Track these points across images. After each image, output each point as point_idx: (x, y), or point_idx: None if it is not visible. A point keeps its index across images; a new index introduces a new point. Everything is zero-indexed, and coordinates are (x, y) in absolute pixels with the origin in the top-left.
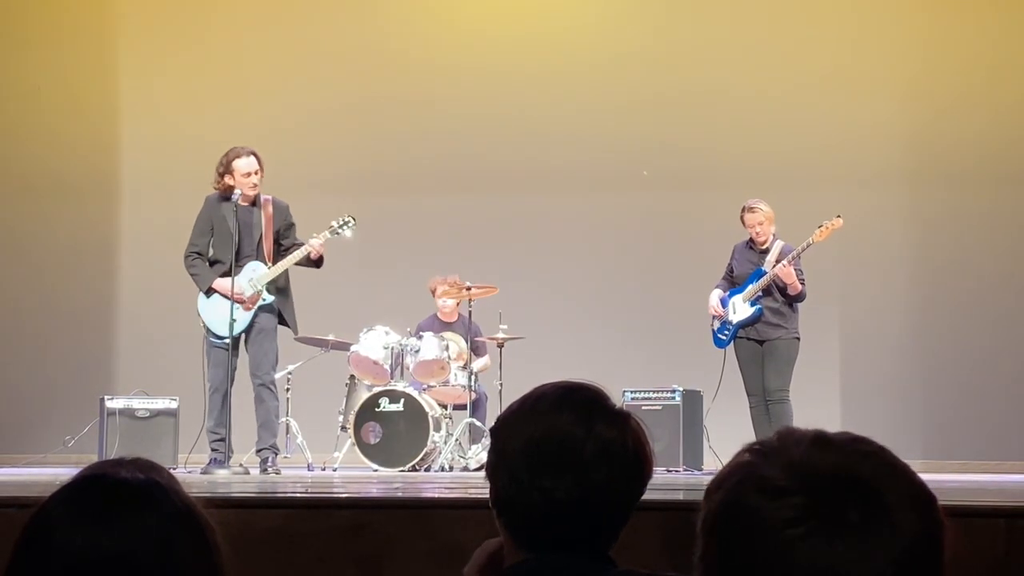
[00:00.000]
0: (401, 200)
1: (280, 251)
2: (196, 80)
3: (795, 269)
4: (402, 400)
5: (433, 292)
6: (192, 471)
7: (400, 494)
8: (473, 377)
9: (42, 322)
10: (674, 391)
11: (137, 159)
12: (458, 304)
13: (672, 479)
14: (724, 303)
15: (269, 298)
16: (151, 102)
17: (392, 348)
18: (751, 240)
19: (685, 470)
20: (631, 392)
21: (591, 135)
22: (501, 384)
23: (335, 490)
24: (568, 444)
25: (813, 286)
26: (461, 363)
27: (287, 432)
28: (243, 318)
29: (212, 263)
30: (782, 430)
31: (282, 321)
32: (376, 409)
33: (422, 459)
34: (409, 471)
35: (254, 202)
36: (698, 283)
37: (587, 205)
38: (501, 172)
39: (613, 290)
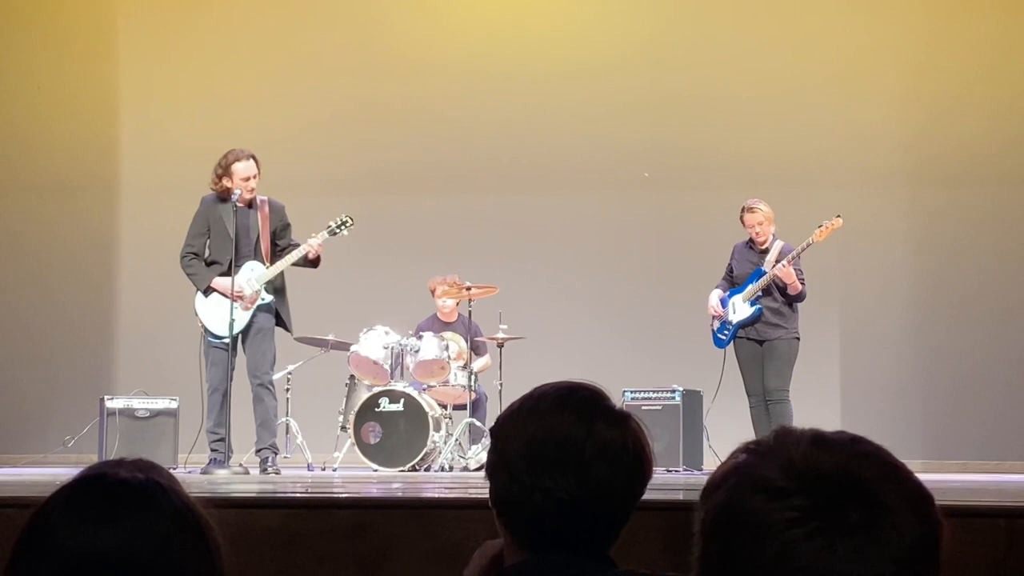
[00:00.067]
0: (401, 200)
1: (276, 251)
2: (196, 81)
3: (795, 269)
4: (402, 400)
5: (433, 292)
6: (192, 471)
7: (400, 494)
8: (473, 377)
9: (42, 322)
10: (674, 391)
11: (137, 159)
12: (458, 304)
13: (672, 479)
14: (724, 303)
15: (268, 298)
16: (151, 103)
17: (392, 348)
18: (751, 240)
19: (685, 470)
20: (631, 392)
21: (591, 135)
22: (501, 384)
23: (335, 490)
24: (569, 444)
25: (813, 286)
26: (461, 363)
27: (287, 432)
28: (241, 318)
29: (209, 263)
30: (779, 429)
31: (279, 321)
32: (376, 409)
33: (422, 459)
34: (409, 471)
35: (251, 203)
36: (698, 283)
37: (587, 205)
38: (501, 172)
39: (613, 290)
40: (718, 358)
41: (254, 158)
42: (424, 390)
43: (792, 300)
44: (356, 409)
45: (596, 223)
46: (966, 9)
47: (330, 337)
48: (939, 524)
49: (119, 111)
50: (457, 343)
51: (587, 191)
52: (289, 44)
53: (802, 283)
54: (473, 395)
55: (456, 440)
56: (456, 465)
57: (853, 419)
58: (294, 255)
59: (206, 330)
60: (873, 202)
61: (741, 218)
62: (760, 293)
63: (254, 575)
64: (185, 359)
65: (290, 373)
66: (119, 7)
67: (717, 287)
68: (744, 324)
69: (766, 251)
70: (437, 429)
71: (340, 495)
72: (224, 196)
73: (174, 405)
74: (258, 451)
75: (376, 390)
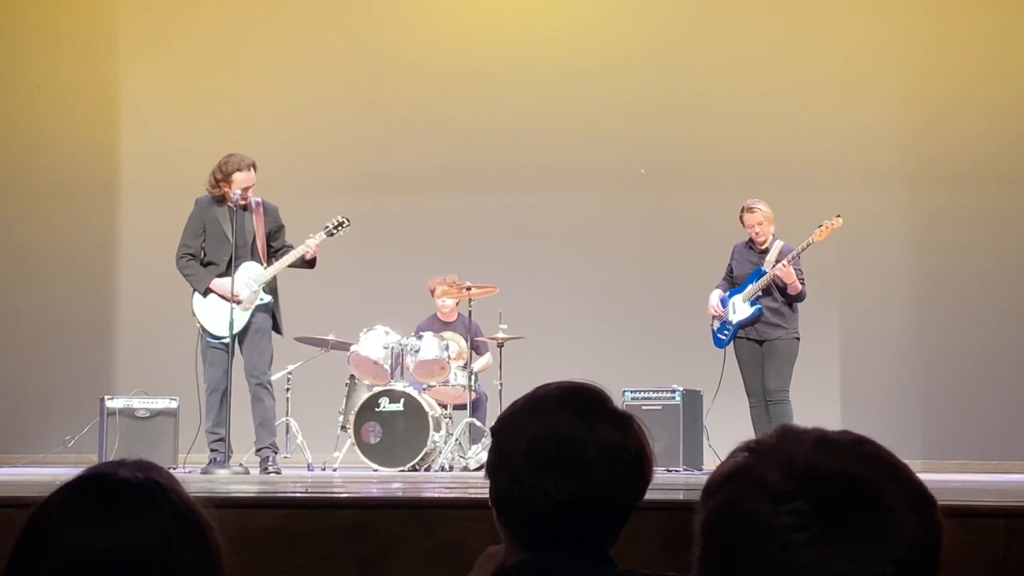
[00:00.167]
0: (401, 200)
1: (271, 252)
2: (195, 81)
3: (795, 269)
4: (402, 400)
5: (432, 292)
6: (192, 471)
7: (400, 494)
8: (473, 377)
9: (42, 322)
10: (674, 391)
11: (137, 159)
12: (457, 304)
13: (672, 479)
14: (724, 303)
15: (266, 298)
16: (150, 103)
17: (392, 348)
18: (751, 240)
19: (685, 470)
20: (631, 392)
21: (591, 135)
22: (501, 384)
23: (335, 490)
24: (571, 445)
25: (813, 286)
26: (461, 363)
27: (287, 432)
28: (240, 318)
29: (205, 265)
30: (781, 428)
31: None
32: (376, 409)
33: (422, 459)
34: (409, 471)
35: (246, 205)
36: (698, 283)
37: (587, 205)
38: (501, 172)
39: (613, 290)
40: (718, 358)
41: (254, 167)
42: (424, 390)
43: (792, 300)
44: (356, 409)
45: (596, 223)
46: (966, 9)
47: (330, 337)
48: (940, 526)
49: (119, 111)
50: (457, 343)
51: (587, 191)
52: (289, 44)
53: (802, 283)
54: (473, 395)
55: (456, 440)
56: (456, 465)
57: (853, 419)
58: (292, 256)
59: (204, 330)
60: (873, 202)
61: (741, 218)
62: (760, 293)
63: (254, 575)
64: (185, 359)
65: (290, 373)
66: (119, 7)
67: (717, 287)
68: (744, 324)
69: (766, 251)
70: (437, 429)
71: (340, 495)
72: (220, 198)
73: (174, 405)
74: (258, 451)
75: (376, 390)
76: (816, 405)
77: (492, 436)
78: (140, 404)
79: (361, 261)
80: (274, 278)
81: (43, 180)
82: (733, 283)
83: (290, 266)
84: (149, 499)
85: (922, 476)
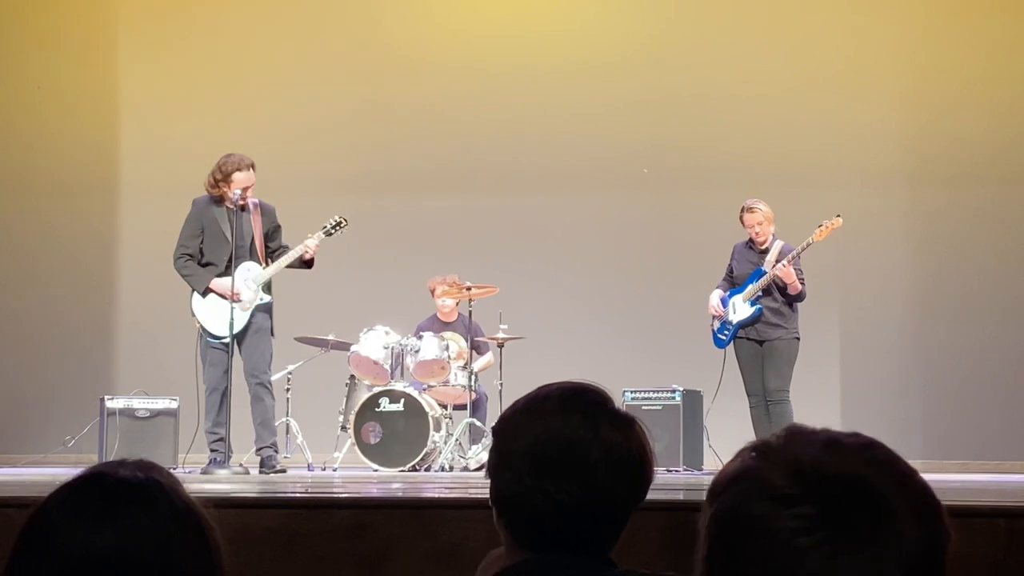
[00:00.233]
0: (401, 200)
1: (268, 253)
2: (195, 81)
3: (795, 269)
4: (402, 400)
5: (432, 292)
6: (192, 471)
7: (400, 494)
8: (473, 377)
9: (42, 322)
10: (674, 391)
11: (137, 159)
12: (457, 304)
13: (672, 479)
14: (724, 303)
15: (266, 298)
16: (150, 103)
17: (392, 348)
18: (751, 240)
19: (685, 470)
20: (631, 392)
21: (591, 135)
22: (501, 384)
23: (335, 490)
24: (574, 446)
25: (813, 286)
26: (461, 363)
27: (287, 432)
28: (240, 318)
29: (203, 265)
30: (790, 429)
31: None
32: (376, 409)
33: (422, 459)
34: (409, 471)
35: (243, 205)
36: (698, 283)
37: (587, 205)
38: (501, 172)
39: (613, 290)
40: (718, 358)
41: (253, 167)
42: (424, 390)
43: (792, 300)
44: (356, 409)
45: (596, 223)
46: (966, 9)
47: (330, 337)
48: (946, 534)
49: (119, 111)
50: (457, 343)
51: (587, 191)
52: (289, 44)
53: (802, 283)
54: (473, 395)
55: (456, 440)
56: (456, 465)
57: (853, 419)
58: (290, 255)
59: (204, 330)
60: (873, 202)
61: (741, 218)
62: (760, 293)
63: (254, 575)
64: (185, 359)
65: (290, 373)
66: (119, 7)
67: (717, 287)
68: (744, 324)
69: (766, 251)
70: (437, 429)
71: (340, 495)
72: (219, 199)
73: (174, 405)
74: (259, 450)
75: (376, 390)
76: (816, 405)
77: (493, 436)
78: (140, 404)
79: (361, 261)
80: (270, 279)
81: (43, 180)
82: (733, 283)
83: (288, 266)
84: (149, 499)
85: (921, 476)
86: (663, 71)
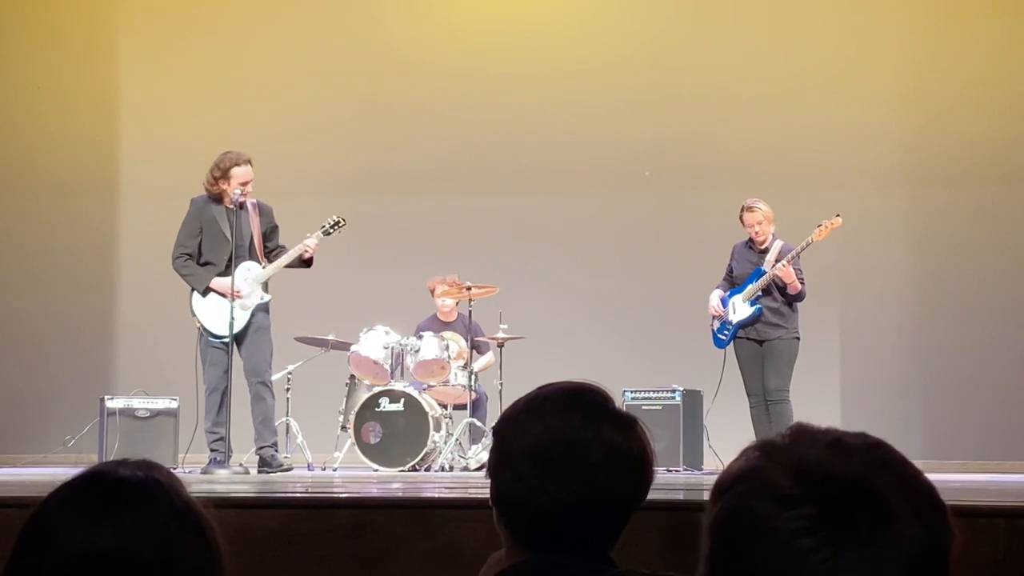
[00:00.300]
0: (401, 200)
1: (265, 252)
2: (195, 81)
3: (794, 269)
4: (402, 400)
5: (432, 292)
6: (192, 471)
7: (400, 494)
8: (473, 377)
9: (42, 322)
10: (674, 391)
11: (136, 159)
12: (457, 304)
13: (672, 479)
14: (724, 303)
15: (267, 296)
16: (150, 103)
17: (392, 348)
18: (750, 240)
19: (685, 470)
20: (631, 392)
21: (591, 135)
22: (501, 384)
23: (335, 490)
24: (575, 447)
25: (813, 286)
26: (461, 363)
27: (287, 432)
28: (240, 317)
29: (202, 264)
30: (796, 428)
31: None
32: (376, 409)
33: (422, 459)
34: (409, 471)
35: (242, 204)
36: (698, 283)
37: (587, 205)
38: (501, 172)
39: (613, 290)
40: (718, 358)
41: (250, 162)
42: (424, 390)
43: (792, 300)
44: (356, 409)
45: (596, 223)
46: (966, 9)
47: (330, 337)
48: (950, 535)
49: (119, 111)
50: (457, 343)
51: (587, 191)
52: (289, 44)
53: (802, 283)
54: (473, 395)
55: (456, 440)
56: (456, 465)
57: (853, 419)
58: (290, 255)
59: (205, 330)
60: (873, 202)
61: (740, 217)
62: (760, 293)
63: (254, 575)
64: (185, 359)
65: (290, 373)
66: (119, 7)
67: (717, 287)
68: (744, 324)
69: (766, 251)
70: (437, 429)
71: (340, 495)
72: (218, 198)
73: (174, 405)
74: (260, 449)
75: (376, 390)
76: (816, 405)
77: (494, 436)
78: (140, 404)
79: (361, 261)
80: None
81: (43, 180)
82: (733, 283)
83: (287, 266)
84: (149, 498)
85: None
86: (663, 71)
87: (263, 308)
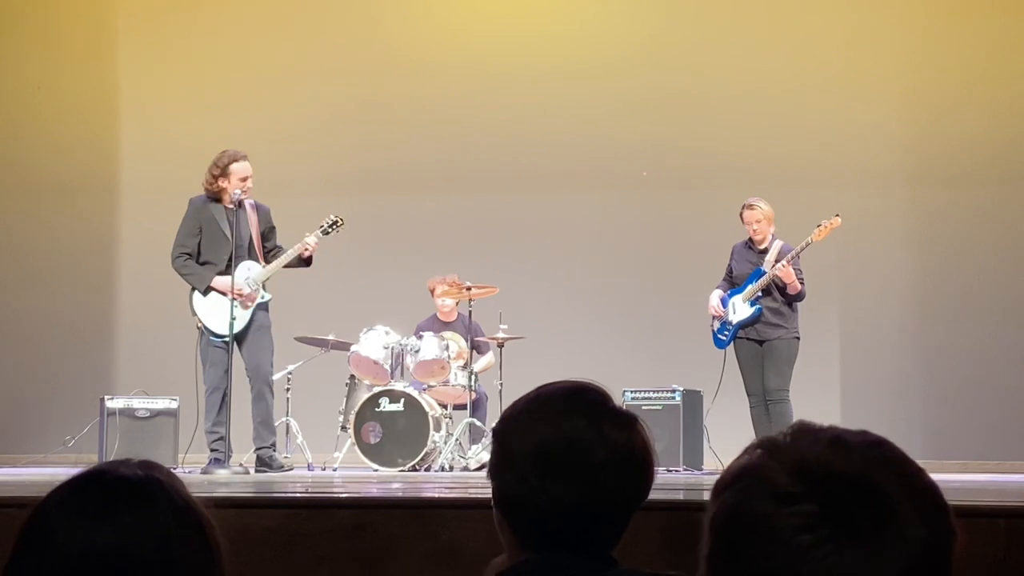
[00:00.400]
0: (401, 200)
1: (263, 253)
2: (195, 82)
3: (794, 269)
4: (402, 400)
5: (432, 292)
6: (192, 471)
7: (400, 494)
8: (473, 377)
9: (42, 322)
10: (674, 391)
11: (136, 159)
12: (457, 304)
13: (672, 479)
14: (724, 303)
15: (267, 295)
16: (150, 103)
17: (392, 348)
18: (750, 240)
19: (685, 470)
20: (631, 392)
21: (591, 135)
22: (501, 384)
23: (335, 490)
24: (578, 447)
25: (813, 286)
26: (461, 363)
27: (287, 432)
28: (241, 316)
29: (201, 264)
30: (798, 426)
31: None
32: (376, 409)
33: (422, 459)
34: (409, 471)
35: (239, 204)
36: (698, 283)
37: (587, 205)
38: (501, 172)
39: (613, 290)
40: (718, 358)
41: (247, 159)
42: (424, 390)
43: (792, 300)
44: (356, 409)
45: (596, 223)
46: (966, 9)
47: (330, 337)
48: (952, 535)
49: (119, 111)
50: (457, 343)
51: (587, 191)
52: (289, 44)
53: (801, 283)
54: (473, 395)
55: (456, 440)
56: (456, 465)
57: (853, 419)
58: (290, 254)
59: (206, 329)
60: (873, 202)
61: (741, 214)
62: (760, 293)
63: (254, 575)
64: (185, 359)
65: (290, 373)
66: (118, 7)
67: (717, 287)
68: (744, 324)
69: (765, 251)
70: (437, 429)
71: (340, 495)
72: (217, 197)
73: (174, 405)
74: (259, 449)
75: (376, 390)
76: (816, 405)
77: (494, 437)
78: (140, 404)
79: (361, 261)
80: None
81: (43, 180)
82: (733, 283)
83: (287, 266)
84: (149, 497)
85: None
86: (663, 71)
87: (263, 307)
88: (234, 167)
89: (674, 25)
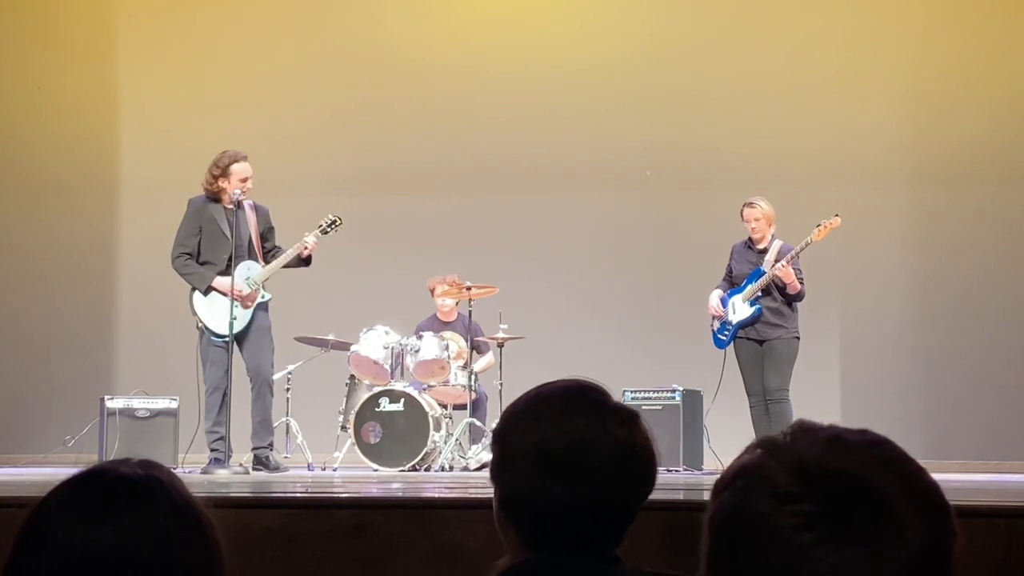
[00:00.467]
0: (401, 200)
1: (263, 253)
2: (195, 81)
3: (794, 269)
4: (402, 400)
5: (432, 292)
6: (192, 471)
7: (400, 494)
8: (473, 377)
9: (42, 322)
10: (674, 391)
11: (136, 159)
12: (457, 303)
13: (672, 479)
14: (724, 303)
15: (267, 295)
16: (150, 103)
17: (392, 348)
18: (750, 240)
19: (685, 470)
20: (631, 392)
21: (592, 135)
22: (501, 384)
23: (335, 490)
24: (581, 446)
25: (813, 286)
26: (461, 363)
27: (287, 432)
28: (242, 316)
29: (201, 264)
30: (798, 426)
31: None
32: (376, 409)
33: (422, 459)
34: (409, 471)
35: (238, 204)
36: (698, 283)
37: (587, 205)
38: (501, 172)
39: (613, 290)
40: (718, 358)
41: (247, 160)
42: (424, 390)
43: (791, 300)
44: (356, 409)
45: (596, 223)
46: (966, 9)
47: (330, 337)
48: (952, 534)
49: (119, 111)
50: (457, 343)
51: (587, 191)
52: (289, 44)
53: (801, 283)
54: (473, 395)
55: (456, 440)
56: (456, 465)
57: (853, 419)
58: (290, 253)
59: (206, 329)
60: (873, 202)
61: (741, 212)
62: (760, 293)
63: (254, 575)
64: (185, 359)
65: (290, 373)
66: (118, 7)
67: (717, 287)
68: (744, 324)
69: (765, 251)
70: (437, 429)
71: (340, 495)
72: (216, 197)
73: (174, 405)
74: (256, 449)
75: (376, 390)
76: (816, 405)
77: (495, 437)
78: (140, 404)
79: (361, 261)
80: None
81: (43, 180)
82: (733, 283)
83: (286, 266)
84: (149, 496)
85: None
86: (663, 71)
87: (263, 307)
88: (234, 168)
89: (674, 25)
